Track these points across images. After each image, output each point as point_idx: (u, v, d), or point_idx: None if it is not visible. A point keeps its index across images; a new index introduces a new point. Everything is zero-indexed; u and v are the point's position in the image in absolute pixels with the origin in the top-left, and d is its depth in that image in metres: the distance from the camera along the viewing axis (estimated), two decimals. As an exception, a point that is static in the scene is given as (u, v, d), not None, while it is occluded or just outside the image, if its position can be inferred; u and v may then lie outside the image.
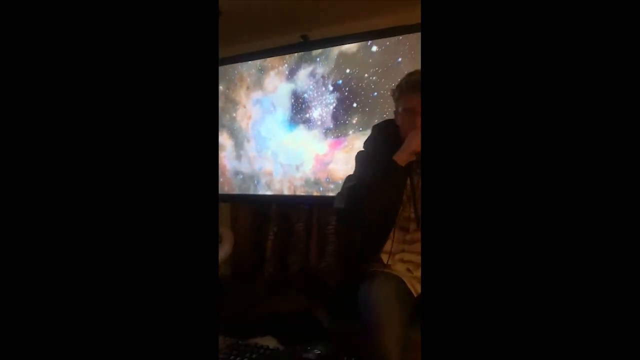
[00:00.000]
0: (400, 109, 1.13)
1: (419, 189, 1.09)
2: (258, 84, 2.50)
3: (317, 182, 2.33)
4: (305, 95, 2.34)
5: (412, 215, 1.12)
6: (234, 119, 2.57)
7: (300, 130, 2.37)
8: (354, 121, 2.22)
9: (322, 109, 2.30)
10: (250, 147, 2.55)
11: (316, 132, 2.31)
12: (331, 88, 2.25)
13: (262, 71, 2.47)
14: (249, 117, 2.54)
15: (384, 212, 1.09)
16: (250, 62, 2.50)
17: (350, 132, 2.21)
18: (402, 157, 1.06)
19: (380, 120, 1.30)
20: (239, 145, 2.59)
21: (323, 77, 2.27)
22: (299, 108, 2.37)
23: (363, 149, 1.22)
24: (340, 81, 2.22)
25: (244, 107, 2.55)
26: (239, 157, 2.59)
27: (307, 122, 2.34)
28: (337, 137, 2.25)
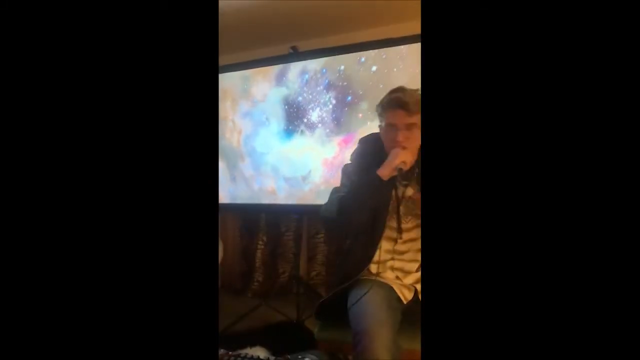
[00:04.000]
0: (383, 124, 1.20)
1: (403, 201, 1.19)
2: (245, 94, 2.22)
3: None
4: (300, 97, 2.06)
5: (398, 226, 1.19)
6: (222, 136, 2.26)
7: (301, 136, 2.07)
8: (360, 115, 1.95)
9: (320, 109, 2.02)
10: (245, 166, 2.24)
11: (319, 134, 2.02)
12: (327, 84, 1.99)
13: (248, 79, 2.20)
14: (240, 132, 2.24)
15: (371, 223, 1.16)
16: (233, 72, 2.22)
17: (358, 127, 1.94)
18: (385, 172, 1.12)
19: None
20: (231, 165, 2.27)
21: (316, 73, 2.02)
22: (294, 113, 2.09)
23: (350, 162, 1.30)
24: (335, 76, 1.96)
25: (232, 121, 2.26)
26: (233, 179, 2.27)
27: (307, 125, 2.06)
28: (347, 133, 1.96)
